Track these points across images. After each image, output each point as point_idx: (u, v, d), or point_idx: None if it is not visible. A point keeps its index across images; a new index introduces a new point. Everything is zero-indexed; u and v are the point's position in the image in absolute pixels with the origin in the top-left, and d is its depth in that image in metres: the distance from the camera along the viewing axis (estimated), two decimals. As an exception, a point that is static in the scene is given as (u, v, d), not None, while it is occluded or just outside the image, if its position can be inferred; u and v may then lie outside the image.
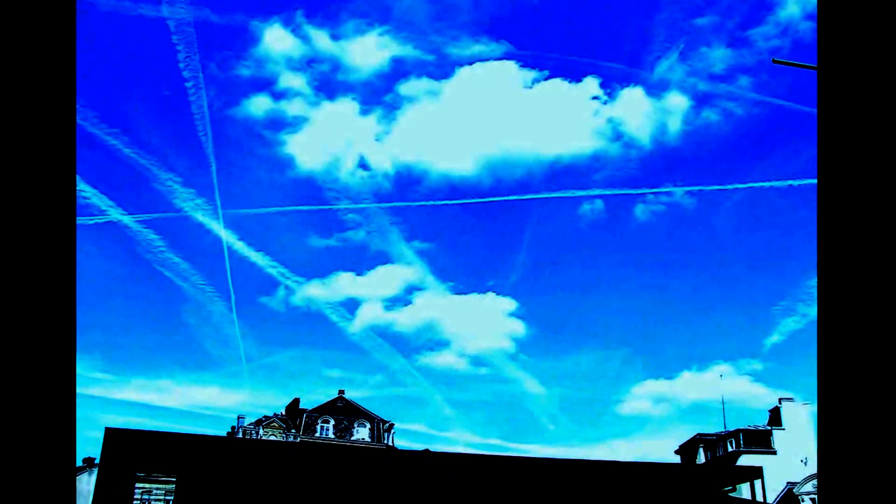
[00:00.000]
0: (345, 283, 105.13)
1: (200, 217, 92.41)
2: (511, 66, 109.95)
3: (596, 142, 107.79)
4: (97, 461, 13.40)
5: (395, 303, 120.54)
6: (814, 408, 60.18)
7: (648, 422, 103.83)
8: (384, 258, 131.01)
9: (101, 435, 12.09)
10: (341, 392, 72.84)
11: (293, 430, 68.02)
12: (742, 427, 64.34)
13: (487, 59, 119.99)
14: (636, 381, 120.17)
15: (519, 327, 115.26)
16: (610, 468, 17.02)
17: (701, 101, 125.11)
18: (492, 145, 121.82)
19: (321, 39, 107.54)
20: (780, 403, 65.13)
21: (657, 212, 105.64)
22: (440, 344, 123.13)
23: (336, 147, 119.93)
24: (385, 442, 69.99)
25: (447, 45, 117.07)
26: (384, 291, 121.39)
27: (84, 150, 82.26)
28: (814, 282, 74.16)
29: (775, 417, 64.97)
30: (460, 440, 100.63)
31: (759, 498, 14.86)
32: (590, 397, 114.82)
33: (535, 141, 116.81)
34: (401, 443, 72.04)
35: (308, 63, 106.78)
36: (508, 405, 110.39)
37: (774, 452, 60.51)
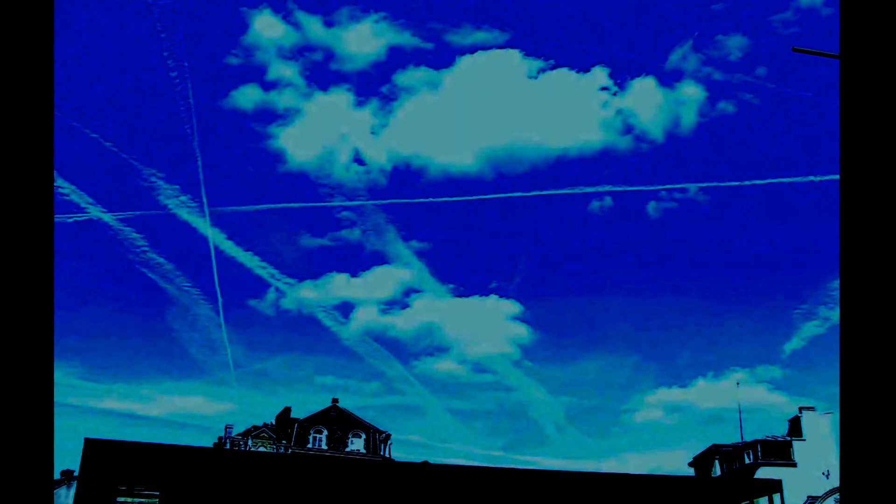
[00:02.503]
0: (339, 285, 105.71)
1: (185, 215, 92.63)
2: (515, 54, 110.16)
3: (605, 135, 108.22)
4: (76, 474, 13.41)
5: (391, 306, 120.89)
6: (836, 417, 60.23)
7: (661, 432, 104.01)
8: (380, 258, 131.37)
9: (80, 446, 12.12)
10: (335, 401, 72.94)
11: (284, 441, 68.07)
12: (760, 438, 64.38)
13: (490, 48, 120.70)
14: (648, 389, 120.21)
15: (523, 332, 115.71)
16: (620, 481, 17.05)
17: (716, 91, 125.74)
18: (494, 139, 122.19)
19: (313, 27, 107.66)
20: (800, 413, 65.23)
21: (670, 209, 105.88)
22: (440, 349, 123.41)
23: (329, 141, 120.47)
24: (381, 453, 70.07)
25: (447, 33, 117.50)
26: (380, 294, 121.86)
27: (62, 144, 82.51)
28: (836, 284, 74.22)
29: (795, 428, 65.04)
30: (461, 452, 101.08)
31: (779, 513, 14.87)
32: (598, 406, 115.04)
33: (540, 134, 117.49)
34: (398, 454, 72.24)
35: (300, 52, 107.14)
36: (512, 414, 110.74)
37: (794, 465, 60.59)
